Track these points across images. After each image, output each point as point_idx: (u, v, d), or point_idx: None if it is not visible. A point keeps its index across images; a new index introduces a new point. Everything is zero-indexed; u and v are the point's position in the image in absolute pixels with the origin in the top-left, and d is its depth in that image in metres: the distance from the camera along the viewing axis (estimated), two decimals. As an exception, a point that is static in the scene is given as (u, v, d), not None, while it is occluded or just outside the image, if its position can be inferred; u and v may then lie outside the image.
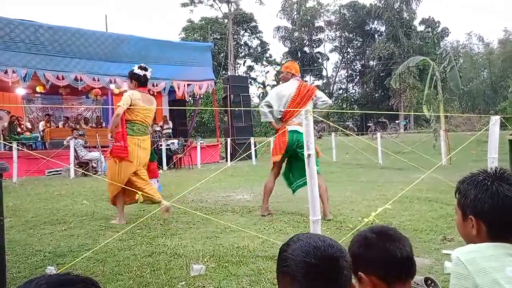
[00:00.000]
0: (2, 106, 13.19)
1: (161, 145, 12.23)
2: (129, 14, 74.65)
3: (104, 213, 5.02)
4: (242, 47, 41.26)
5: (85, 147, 11.14)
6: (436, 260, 2.88)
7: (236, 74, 33.21)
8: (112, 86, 12.51)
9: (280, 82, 5.09)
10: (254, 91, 36.61)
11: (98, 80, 12.35)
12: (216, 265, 2.89)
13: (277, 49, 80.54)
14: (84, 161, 10.72)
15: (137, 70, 4.60)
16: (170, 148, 12.61)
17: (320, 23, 41.59)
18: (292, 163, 4.67)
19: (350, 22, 40.26)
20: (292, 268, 0.95)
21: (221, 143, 16.01)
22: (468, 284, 1.08)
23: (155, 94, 14.39)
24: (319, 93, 4.72)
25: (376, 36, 39.80)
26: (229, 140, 14.51)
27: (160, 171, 11.28)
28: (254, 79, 38.51)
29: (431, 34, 36.76)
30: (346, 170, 9.90)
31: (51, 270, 2.87)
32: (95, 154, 10.87)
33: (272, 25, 53.91)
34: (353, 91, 43.64)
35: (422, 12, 69.36)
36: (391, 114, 25.56)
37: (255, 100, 34.95)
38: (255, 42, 41.46)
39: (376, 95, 39.25)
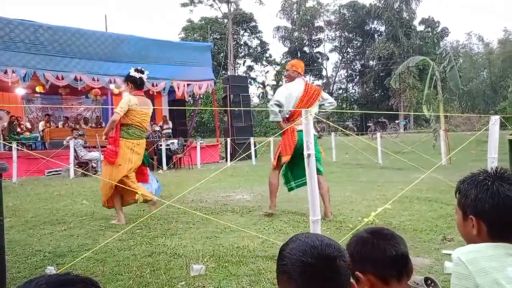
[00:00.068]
0: (2, 106, 13.19)
1: (161, 145, 12.23)
2: (129, 14, 74.69)
3: (104, 213, 5.02)
4: (242, 47, 41.25)
5: (84, 147, 11.14)
6: (436, 260, 2.87)
7: (236, 74, 33.21)
8: (111, 86, 12.51)
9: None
10: (254, 91, 36.62)
11: (98, 80, 12.35)
12: (216, 265, 2.89)
13: (277, 49, 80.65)
14: (84, 161, 10.72)
15: (133, 73, 4.58)
16: (170, 148, 12.61)
17: (320, 23, 41.63)
18: (294, 162, 4.63)
19: (350, 22, 40.26)
20: (288, 267, 0.96)
21: (221, 143, 16.01)
22: (469, 284, 1.08)
23: (155, 94, 14.42)
24: (325, 95, 4.70)
25: (376, 36, 39.81)
26: (229, 140, 14.51)
27: (160, 171, 11.30)
28: (254, 79, 38.48)
29: (431, 34, 36.77)
30: (346, 170, 9.90)
31: (51, 270, 2.87)
32: (95, 154, 10.87)
33: (272, 25, 53.98)
34: (353, 91, 43.66)
35: (422, 12, 69.53)
36: (391, 114, 25.56)
37: (255, 100, 35.00)
38: (255, 42, 41.49)
39: (376, 95, 39.26)
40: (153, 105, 15.64)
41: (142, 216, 4.63)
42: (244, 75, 35.21)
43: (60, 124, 14.56)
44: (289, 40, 41.30)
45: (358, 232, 1.34)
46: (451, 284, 1.14)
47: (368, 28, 40.24)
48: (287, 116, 4.56)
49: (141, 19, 72.80)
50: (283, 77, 38.09)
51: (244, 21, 39.30)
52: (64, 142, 10.90)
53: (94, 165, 10.74)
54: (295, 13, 40.82)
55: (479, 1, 68.01)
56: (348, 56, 43.09)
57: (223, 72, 33.91)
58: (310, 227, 2.84)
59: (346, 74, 43.68)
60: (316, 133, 4.61)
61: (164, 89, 13.87)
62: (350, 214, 4.54)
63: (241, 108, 14.94)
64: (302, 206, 4.77)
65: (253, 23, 40.07)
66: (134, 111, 4.45)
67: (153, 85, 13.37)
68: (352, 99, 41.73)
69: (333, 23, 41.23)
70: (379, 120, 21.91)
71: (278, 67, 38.96)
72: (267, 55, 41.19)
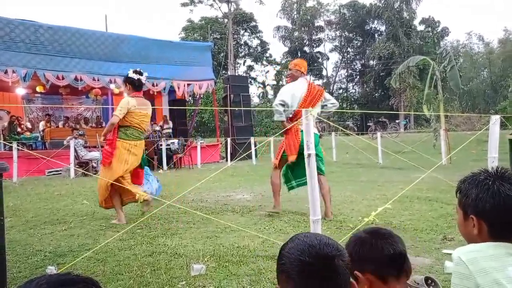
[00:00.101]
0: (2, 106, 13.19)
1: (161, 145, 12.23)
2: (129, 14, 74.69)
3: (104, 213, 5.02)
4: (242, 46, 41.25)
5: (85, 147, 11.14)
6: (437, 260, 2.87)
7: (236, 74, 33.19)
8: (112, 86, 12.51)
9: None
10: (254, 90, 36.69)
11: (98, 80, 12.35)
12: (216, 265, 2.89)
13: (277, 49, 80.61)
14: (84, 161, 10.73)
15: (131, 74, 4.58)
16: (170, 148, 12.61)
17: (320, 22, 41.61)
18: (295, 162, 4.62)
19: (350, 22, 40.25)
20: (287, 266, 0.96)
21: (221, 143, 16.01)
22: (470, 284, 1.08)
23: (155, 94, 14.43)
24: (327, 95, 4.69)
25: (376, 35, 39.80)
26: (229, 139, 14.51)
27: (161, 171, 11.30)
28: (254, 79, 38.52)
29: (431, 33, 36.76)
30: (346, 170, 9.90)
31: (51, 270, 2.87)
32: (95, 154, 10.87)
33: (272, 25, 53.94)
34: (353, 90, 43.65)
35: (422, 12, 69.44)
36: (391, 114, 25.56)
37: (255, 100, 35.02)
38: (255, 42, 41.49)
39: (376, 94, 39.25)
40: (154, 105, 15.67)
41: (143, 216, 4.63)
42: (244, 75, 35.20)
43: (60, 124, 14.57)
44: (289, 40, 41.30)
45: (356, 233, 1.35)
46: (451, 284, 1.14)
47: (368, 28, 40.22)
48: (290, 116, 4.54)
49: (141, 19, 72.84)
50: (283, 77, 38.15)
51: (244, 21, 39.30)
52: (65, 142, 10.90)
53: (95, 165, 10.75)
54: (295, 12, 40.81)
55: (479, 1, 68.00)
56: (348, 55, 43.07)
57: (224, 72, 33.92)
58: (310, 226, 2.84)
59: (346, 74, 43.67)
60: (318, 133, 4.62)
61: (164, 89, 13.87)
62: (351, 213, 4.54)
63: (242, 108, 14.94)
64: (302, 206, 4.77)
65: (253, 23, 40.07)
66: (133, 113, 4.46)
67: (153, 85, 13.37)
68: (352, 99, 41.71)
69: (333, 22, 41.22)
70: (380, 119, 21.92)
71: (278, 67, 38.99)
72: (267, 55, 41.21)
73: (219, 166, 12.64)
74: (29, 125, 13.87)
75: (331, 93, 39.23)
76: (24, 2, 71.28)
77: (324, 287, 0.93)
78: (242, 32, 40.69)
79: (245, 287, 2.49)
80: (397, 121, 23.35)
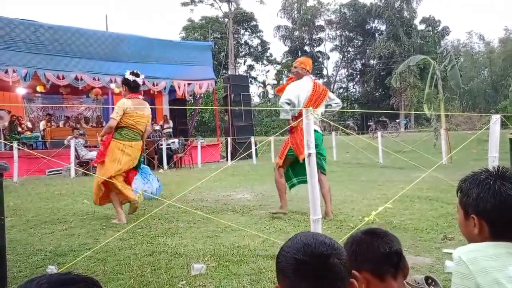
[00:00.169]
0: (3, 105, 13.21)
1: (161, 145, 12.24)
2: (129, 14, 74.67)
3: (105, 212, 5.02)
4: (243, 46, 41.25)
5: (85, 147, 11.15)
6: (437, 259, 2.87)
7: (237, 73, 33.22)
8: (112, 85, 12.51)
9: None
10: (254, 90, 36.64)
11: (99, 80, 12.36)
12: (216, 264, 2.89)
13: (278, 48, 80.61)
14: (84, 160, 10.73)
15: (128, 76, 4.60)
16: (170, 148, 12.62)
17: (320, 22, 41.60)
18: (296, 159, 4.60)
19: (351, 21, 40.23)
20: (283, 265, 0.97)
21: (221, 143, 16.01)
22: (470, 284, 1.08)
23: (156, 93, 14.43)
24: (331, 95, 4.66)
25: (376, 35, 39.78)
26: (229, 139, 14.51)
27: (161, 170, 11.31)
28: (255, 78, 38.51)
29: (431, 33, 36.73)
30: (346, 169, 9.90)
31: (52, 269, 2.87)
32: (95, 153, 10.86)
33: (273, 24, 53.89)
34: (354, 90, 43.64)
35: (423, 11, 69.49)
36: (391, 113, 25.55)
37: (255, 99, 34.98)
38: (255, 41, 41.48)
39: (377, 94, 39.23)
40: (154, 105, 15.64)
41: (143, 216, 4.63)
42: (244, 74, 35.22)
43: (61, 124, 14.58)
44: (289, 40, 41.29)
45: (353, 234, 1.38)
46: (452, 284, 1.14)
47: (368, 27, 40.20)
48: (296, 115, 4.51)
49: (141, 19, 72.85)
50: (283, 76, 38.12)
51: (244, 20, 39.29)
52: (65, 142, 10.92)
53: (95, 164, 10.74)
54: (295, 12, 40.79)
55: (480, 0, 67.91)
56: (348, 55, 43.06)
57: (224, 71, 33.91)
58: (311, 226, 2.84)
59: (346, 73, 43.66)
60: (321, 132, 4.61)
61: (164, 88, 13.87)
62: (351, 213, 4.54)
63: (242, 108, 14.94)
64: (302, 205, 4.77)
65: (254, 22, 40.06)
66: (128, 114, 4.47)
67: (153, 85, 13.38)
68: (352, 98, 41.70)
69: (334, 22, 41.20)
70: (380, 119, 21.90)
71: (278, 67, 38.97)
72: (268, 54, 41.21)
73: (219, 165, 12.64)
74: (29, 124, 13.88)
75: (332, 93, 39.22)
76: (24, 2, 71.33)
77: (319, 286, 0.93)
78: (242, 31, 40.69)
79: (245, 286, 2.49)
80: (397, 120, 23.33)
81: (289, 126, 4.46)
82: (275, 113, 29.13)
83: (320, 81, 40.96)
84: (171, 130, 14.76)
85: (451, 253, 1.22)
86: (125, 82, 4.61)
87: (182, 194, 5.65)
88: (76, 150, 10.62)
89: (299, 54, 39.75)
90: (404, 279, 1.29)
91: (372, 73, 37.30)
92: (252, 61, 41.62)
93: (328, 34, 42.17)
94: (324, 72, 42.56)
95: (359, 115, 34.76)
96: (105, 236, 3.82)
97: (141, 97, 5.06)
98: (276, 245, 3.19)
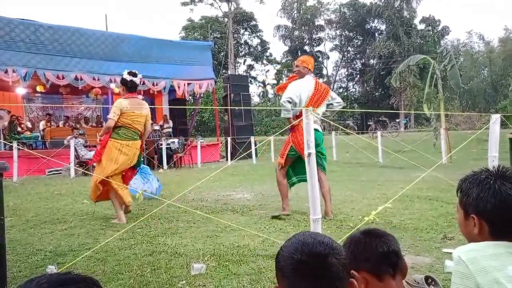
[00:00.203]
0: (3, 105, 13.21)
1: (161, 144, 12.23)
2: (129, 14, 74.64)
3: (104, 212, 5.02)
4: (242, 46, 41.24)
5: (85, 147, 11.15)
6: (437, 259, 2.87)
7: (236, 73, 33.22)
8: (112, 85, 12.51)
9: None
10: (254, 90, 36.64)
11: (98, 80, 12.35)
12: (216, 264, 2.89)
13: (277, 48, 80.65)
14: (84, 160, 10.73)
15: (125, 76, 4.62)
16: (170, 147, 12.62)
17: (320, 21, 41.59)
18: (297, 158, 4.60)
19: (351, 21, 40.23)
20: (281, 264, 0.97)
21: (221, 142, 16.01)
22: (470, 283, 1.08)
23: (155, 93, 14.43)
24: (333, 94, 4.64)
25: (376, 34, 39.78)
26: (229, 139, 14.51)
27: (161, 170, 11.30)
28: (254, 78, 38.51)
29: (431, 32, 36.73)
30: (346, 169, 9.90)
31: (51, 269, 2.87)
32: (95, 153, 10.87)
33: (272, 24, 53.89)
34: (354, 89, 43.65)
35: (423, 11, 69.47)
36: (391, 113, 25.55)
37: (255, 99, 34.97)
38: (255, 41, 41.49)
39: (377, 93, 39.24)
40: (154, 104, 15.62)
41: (143, 215, 4.64)
42: (244, 74, 35.21)
43: (60, 124, 14.58)
44: (289, 39, 41.28)
45: (352, 234, 1.39)
46: (452, 283, 1.14)
47: (368, 27, 40.20)
48: (297, 114, 4.50)
49: (141, 19, 72.82)
50: (283, 76, 38.11)
51: (244, 20, 39.29)
52: (65, 142, 10.91)
53: (95, 164, 10.75)
54: (295, 12, 40.78)
55: (480, 0, 67.91)
56: (348, 55, 43.06)
57: (224, 71, 33.90)
58: (310, 226, 2.84)
59: (346, 73, 43.67)
60: (321, 131, 4.60)
61: (164, 88, 13.87)
62: (351, 213, 4.54)
63: (242, 107, 14.94)
64: (302, 205, 4.77)
65: (254, 22, 40.06)
66: (125, 113, 4.49)
67: (153, 84, 13.38)
68: (352, 98, 41.71)
69: (334, 21, 41.20)
70: (380, 119, 21.90)
71: (278, 66, 38.97)
72: (268, 54, 41.21)
73: (219, 165, 12.64)
74: (29, 124, 13.88)
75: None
76: (24, 2, 71.28)
77: (317, 285, 0.93)
78: (242, 31, 40.69)
79: (245, 286, 2.49)
80: (397, 120, 23.34)
81: (290, 125, 4.43)
82: (275, 113, 29.12)
83: (320, 81, 41.01)
84: (171, 130, 14.76)
85: (451, 253, 1.22)
86: (123, 82, 4.64)
87: (182, 194, 5.65)
88: (75, 150, 10.62)
89: (299, 53, 39.74)
90: (403, 279, 1.30)
91: (372, 73, 37.30)
92: (252, 60, 41.64)
93: (328, 33, 42.22)
94: (324, 71, 42.56)
95: (359, 114, 34.76)
96: (105, 236, 3.82)
97: (140, 96, 5.08)
98: (276, 244, 3.19)
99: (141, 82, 12.75)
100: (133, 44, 13.11)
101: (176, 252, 3.21)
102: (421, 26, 37.51)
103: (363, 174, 8.59)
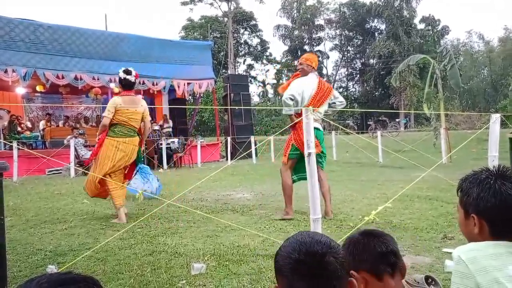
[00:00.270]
0: (2, 105, 13.20)
1: (161, 144, 12.23)
2: (129, 14, 74.65)
3: (105, 212, 5.02)
4: (242, 45, 41.23)
5: (85, 146, 11.14)
6: (437, 259, 2.87)
7: (236, 73, 33.20)
8: (112, 85, 12.50)
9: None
10: (254, 89, 36.66)
11: (98, 79, 12.35)
12: (216, 264, 2.89)
13: (277, 48, 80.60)
14: (84, 160, 10.72)
15: (120, 74, 4.66)
16: (170, 147, 12.62)
17: (320, 21, 41.58)
18: (300, 158, 4.55)
19: (350, 21, 40.21)
20: (280, 264, 0.98)
21: (221, 142, 16.01)
22: (470, 283, 1.08)
23: (155, 92, 14.41)
24: (336, 93, 4.62)
25: (376, 34, 39.77)
26: (229, 139, 14.51)
27: (161, 170, 11.30)
28: (254, 78, 38.52)
29: (431, 32, 36.73)
30: (346, 169, 9.90)
31: (52, 269, 2.87)
32: (95, 153, 10.86)
33: (272, 24, 53.92)
34: (353, 89, 43.65)
35: (422, 10, 69.34)
36: (391, 113, 25.55)
37: (255, 98, 34.99)
38: (255, 41, 41.48)
39: (376, 93, 39.23)
40: (154, 104, 15.58)
41: (143, 215, 4.64)
42: (244, 73, 35.20)
43: (60, 123, 14.58)
44: (289, 39, 41.26)
45: (351, 235, 1.40)
46: (451, 283, 1.14)
47: (368, 27, 40.19)
48: (299, 112, 4.48)
49: (141, 19, 72.81)
50: (283, 75, 38.10)
51: (244, 19, 39.27)
52: (65, 141, 10.91)
53: (90, 162, 10.74)
54: (295, 11, 40.77)
55: (479, 0, 67.89)
56: (348, 54, 43.05)
57: (224, 70, 33.90)
58: (310, 225, 2.84)
59: (346, 73, 43.66)
60: (322, 130, 4.59)
61: (164, 88, 13.86)
62: (351, 212, 4.54)
63: (242, 107, 14.94)
64: (302, 205, 4.77)
65: (253, 22, 40.05)
66: (119, 111, 4.52)
67: (153, 84, 13.38)
68: (352, 98, 41.70)
69: (334, 21, 41.18)
70: (380, 118, 21.91)
71: (278, 66, 38.95)
72: (267, 53, 41.21)
73: (219, 165, 12.64)
74: (29, 124, 13.88)
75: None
76: (24, 2, 71.28)
77: (315, 284, 0.94)
78: (242, 31, 40.68)
79: (245, 286, 2.49)
80: (397, 120, 23.34)
81: (292, 123, 4.41)
82: (275, 113, 29.13)
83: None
84: (170, 129, 14.76)
85: (451, 253, 1.23)
86: (119, 80, 4.71)
87: (182, 193, 5.65)
88: (75, 149, 10.61)
89: (299, 53, 39.73)
90: (402, 278, 1.31)
91: (372, 73, 37.30)
92: (251, 60, 41.64)
93: (327, 33, 42.21)
94: (324, 71, 42.54)
95: (359, 114, 34.75)
96: (105, 235, 3.82)
97: (140, 96, 5.09)
98: (276, 244, 3.19)
99: (141, 82, 12.83)
100: (133, 44, 13.10)
101: (176, 252, 3.21)
102: (421, 26, 37.52)
103: (363, 174, 8.59)
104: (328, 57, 42.47)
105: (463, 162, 9.60)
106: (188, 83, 14.35)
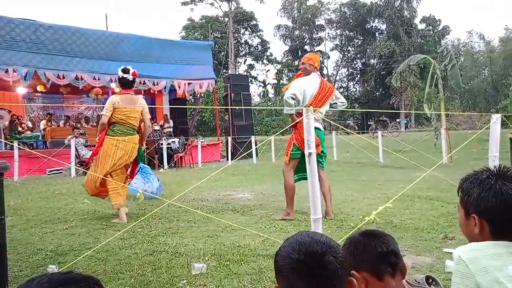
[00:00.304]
0: (3, 105, 13.20)
1: (161, 144, 12.24)
2: (129, 14, 74.68)
3: (105, 212, 5.03)
4: (243, 45, 41.23)
5: (86, 146, 11.15)
6: (437, 259, 2.87)
7: (237, 73, 33.22)
8: (112, 85, 12.49)
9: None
10: (254, 89, 36.67)
11: (99, 79, 12.36)
12: (217, 264, 2.89)
13: (278, 48, 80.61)
14: (85, 160, 10.73)
15: (119, 73, 4.69)
16: (171, 147, 12.62)
17: (320, 21, 41.57)
18: (301, 158, 4.54)
19: (351, 21, 40.20)
20: (280, 264, 0.98)
21: (221, 142, 16.01)
22: (470, 283, 1.08)
23: (156, 92, 14.42)
24: (337, 93, 4.61)
25: (376, 34, 39.76)
26: (229, 138, 14.51)
27: (161, 170, 11.31)
28: (255, 78, 38.53)
29: (432, 32, 36.71)
30: (347, 169, 9.90)
31: (52, 268, 2.87)
32: (96, 153, 10.87)
33: (273, 24, 53.93)
34: (354, 89, 43.64)
35: (423, 10, 69.33)
36: (392, 113, 25.54)
37: (255, 98, 35.00)
38: (255, 41, 41.47)
39: (377, 93, 39.22)
40: (154, 104, 15.56)
41: (143, 215, 4.64)
42: (245, 73, 35.22)
43: (61, 123, 14.58)
44: (290, 39, 41.26)
45: (351, 235, 1.41)
46: (452, 283, 1.14)
47: (369, 27, 40.18)
48: (300, 111, 4.47)
49: (141, 19, 72.89)
50: (283, 75, 38.09)
51: (244, 19, 39.27)
52: (65, 141, 10.91)
53: (90, 161, 10.75)
54: (295, 11, 40.76)
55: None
56: (349, 54, 43.03)
57: (224, 70, 33.90)
58: (311, 225, 2.84)
59: (347, 73, 43.64)
60: (323, 130, 4.59)
61: (165, 88, 13.87)
62: (351, 212, 4.54)
63: (242, 107, 14.94)
64: (303, 205, 4.76)
65: (254, 22, 40.05)
66: (117, 109, 4.55)
67: (154, 84, 13.38)
68: (353, 98, 41.67)
69: (334, 21, 41.17)
70: (380, 118, 21.90)
71: (278, 66, 38.95)
72: (268, 53, 41.21)
73: (219, 165, 12.64)
74: (30, 124, 13.89)
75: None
76: (25, 2, 71.35)
77: (315, 284, 0.94)
78: (242, 31, 40.67)
79: (246, 286, 2.49)
80: (397, 120, 23.33)
81: (293, 123, 4.39)
82: (275, 113, 29.12)
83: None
84: (171, 129, 14.76)
85: (451, 253, 1.23)
86: (118, 79, 4.75)
87: (183, 193, 5.65)
88: (76, 149, 10.62)
89: (299, 53, 39.74)
90: (403, 279, 1.31)
91: (373, 73, 37.29)
92: (252, 60, 41.64)
93: (328, 33, 42.17)
94: (325, 71, 42.52)
95: (359, 114, 34.73)
96: (105, 235, 3.82)
97: (141, 96, 5.10)
98: (277, 244, 3.18)
99: (142, 82, 12.84)
100: (133, 44, 13.11)
101: (177, 252, 3.21)
102: (421, 26, 37.50)
103: (364, 174, 8.59)
104: (328, 57, 42.48)
105: (463, 162, 9.60)
106: (189, 83, 14.35)
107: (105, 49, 12.56)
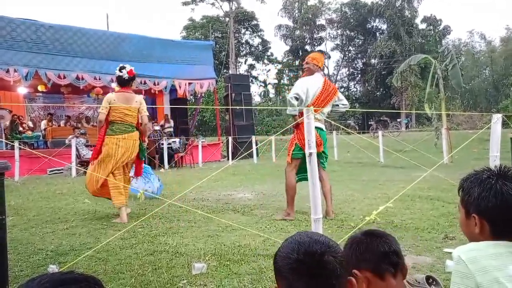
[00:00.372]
0: (4, 105, 13.22)
1: (162, 144, 12.24)
2: (130, 14, 74.73)
3: (106, 211, 5.03)
4: (244, 45, 41.23)
5: (86, 146, 11.16)
6: (438, 259, 2.87)
7: (238, 73, 33.25)
8: (113, 85, 12.48)
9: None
10: (255, 89, 36.67)
11: (100, 79, 12.37)
12: (217, 264, 2.89)
13: (278, 48, 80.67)
14: (85, 159, 10.73)
15: (116, 71, 4.73)
16: (171, 147, 12.63)
17: (321, 21, 41.57)
18: (303, 159, 4.52)
19: (352, 20, 40.18)
20: (279, 264, 0.99)
21: (222, 142, 16.01)
22: (470, 283, 1.08)
23: (157, 92, 14.43)
24: (340, 95, 4.59)
25: (377, 34, 39.74)
26: (230, 138, 14.51)
27: (162, 170, 11.31)
28: (256, 78, 38.53)
29: (432, 32, 36.69)
30: (347, 169, 9.90)
31: (53, 268, 2.87)
32: (96, 153, 10.87)
33: (273, 24, 53.96)
34: (355, 89, 43.63)
35: (424, 10, 69.37)
36: (392, 113, 25.52)
37: (256, 98, 35.01)
38: (256, 41, 41.48)
39: (378, 93, 39.20)
40: (155, 104, 15.58)
41: (144, 215, 4.64)
42: (245, 73, 35.22)
43: (62, 123, 14.59)
44: (290, 39, 41.26)
45: (353, 235, 1.41)
46: (451, 283, 1.14)
47: (369, 26, 40.16)
48: (302, 111, 4.45)
49: (142, 19, 72.94)
50: (284, 75, 38.08)
51: (245, 19, 39.28)
52: (66, 141, 10.92)
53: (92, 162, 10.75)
54: (296, 11, 40.76)
55: (481, -1, 67.79)
56: (349, 54, 43.02)
57: (225, 70, 33.92)
58: (311, 225, 2.84)
59: (347, 73, 43.63)
60: (325, 130, 4.58)
61: (165, 87, 13.88)
62: (352, 212, 4.54)
63: (243, 107, 14.94)
64: (303, 204, 4.76)
65: (255, 22, 40.06)
66: (114, 107, 4.57)
67: (154, 84, 13.40)
68: (353, 98, 41.64)
69: (335, 21, 41.16)
70: (381, 118, 21.89)
71: (279, 66, 38.94)
72: (269, 53, 41.20)
73: (220, 165, 12.64)
74: (30, 124, 13.90)
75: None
76: (25, 2, 71.44)
77: (314, 284, 0.94)
78: (243, 30, 40.67)
79: (246, 286, 2.49)
80: (398, 120, 23.33)
81: (295, 123, 4.38)
82: (276, 113, 29.11)
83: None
84: (172, 129, 14.77)
85: (451, 253, 1.23)
86: (116, 77, 4.78)
87: (183, 193, 5.66)
88: (77, 149, 10.63)
89: (300, 53, 39.77)
90: (404, 279, 1.31)
91: (373, 72, 37.28)
92: (253, 60, 41.64)
93: (329, 33, 42.17)
94: (325, 71, 42.49)
95: (360, 114, 34.73)
96: (106, 235, 3.83)
97: (141, 96, 5.11)
98: (277, 244, 3.18)
99: (143, 82, 12.85)
100: (134, 44, 13.12)
101: (177, 252, 3.21)
102: (422, 26, 37.48)
103: (364, 174, 8.59)
104: (329, 57, 42.44)
105: (464, 162, 9.59)
106: (190, 83, 14.36)
107: (106, 49, 12.57)
